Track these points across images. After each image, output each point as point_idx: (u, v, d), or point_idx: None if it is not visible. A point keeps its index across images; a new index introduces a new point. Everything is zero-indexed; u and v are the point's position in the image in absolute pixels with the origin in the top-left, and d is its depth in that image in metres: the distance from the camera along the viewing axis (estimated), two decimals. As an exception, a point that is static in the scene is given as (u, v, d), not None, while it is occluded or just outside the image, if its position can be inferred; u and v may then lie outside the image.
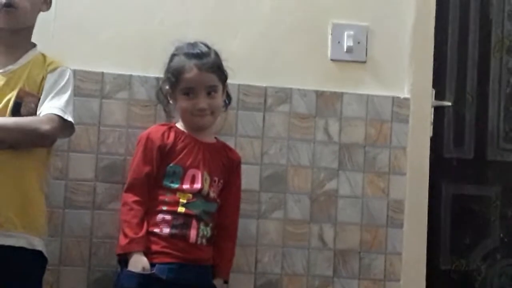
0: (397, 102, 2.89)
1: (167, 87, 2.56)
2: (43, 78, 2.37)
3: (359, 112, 2.87)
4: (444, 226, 3.03)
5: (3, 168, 2.24)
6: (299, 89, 2.83)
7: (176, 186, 2.47)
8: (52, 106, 2.33)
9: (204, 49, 2.54)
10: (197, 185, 2.48)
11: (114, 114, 2.71)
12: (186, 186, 2.47)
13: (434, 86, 2.98)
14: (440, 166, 3.00)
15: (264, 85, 2.81)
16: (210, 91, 2.51)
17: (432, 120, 2.97)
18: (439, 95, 3.02)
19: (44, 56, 2.43)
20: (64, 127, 2.36)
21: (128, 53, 2.73)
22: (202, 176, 2.49)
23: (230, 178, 2.60)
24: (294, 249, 2.80)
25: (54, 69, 2.40)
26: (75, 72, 2.57)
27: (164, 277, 2.39)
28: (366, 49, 2.90)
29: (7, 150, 2.24)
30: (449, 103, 3.04)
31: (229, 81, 2.64)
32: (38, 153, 2.35)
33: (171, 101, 2.58)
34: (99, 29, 2.74)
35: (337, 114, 2.85)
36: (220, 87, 2.55)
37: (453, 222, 3.04)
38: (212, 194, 2.51)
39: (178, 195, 2.46)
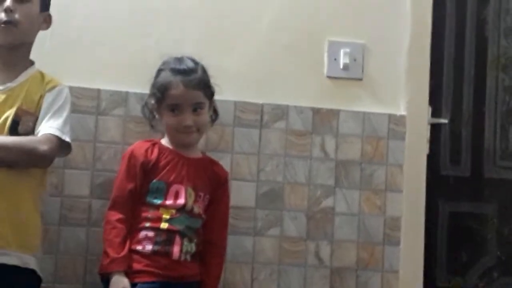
0: (393, 119, 2.89)
1: (153, 101, 2.55)
2: (41, 97, 2.37)
3: (356, 129, 2.86)
4: (441, 243, 3.02)
5: (-2, 186, 2.23)
6: (295, 106, 2.83)
7: (159, 202, 2.45)
8: (50, 126, 2.32)
9: (191, 64, 2.53)
10: (181, 201, 2.46)
11: (110, 130, 2.70)
12: (169, 202, 2.46)
13: (430, 103, 2.98)
14: (436, 184, 3.00)
15: (261, 102, 2.81)
16: (196, 108, 2.50)
17: (428, 138, 2.97)
18: (435, 113, 3.02)
19: (42, 74, 2.43)
20: (61, 147, 2.35)
21: (125, 70, 2.73)
22: (186, 191, 2.48)
23: (217, 193, 2.58)
24: (291, 266, 2.78)
25: (52, 88, 2.40)
26: (71, 88, 2.56)
27: None
28: (363, 66, 2.90)
29: (3, 168, 2.23)
30: (446, 121, 3.04)
31: (225, 97, 2.65)
32: (34, 171, 2.34)
33: (157, 116, 2.57)
34: (95, 46, 2.74)
35: (334, 131, 2.85)
36: (207, 103, 2.54)
37: (450, 240, 3.03)
38: (196, 210, 2.49)
39: (161, 211, 2.45)
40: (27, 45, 2.43)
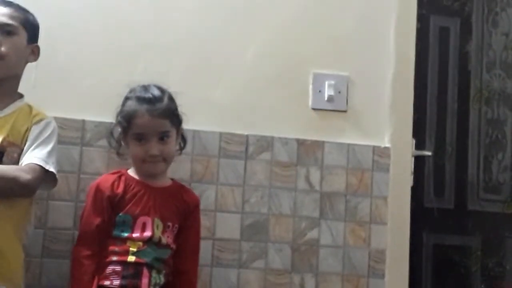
0: (377, 151, 2.90)
1: (119, 130, 2.54)
2: (28, 129, 2.36)
3: (340, 160, 2.87)
4: (425, 276, 3.03)
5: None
6: (280, 138, 2.84)
7: (126, 235, 2.42)
8: (34, 156, 2.30)
9: (157, 93, 2.50)
10: (148, 233, 2.43)
11: (94, 162, 2.69)
12: (136, 234, 2.42)
13: (414, 136, 2.99)
14: (421, 216, 3.00)
15: (246, 133, 2.82)
16: (163, 137, 2.47)
17: (412, 170, 2.98)
18: (419, 145, 3.04)
19: (30, 107, 2.42)
20: (45, 177, 2.33)
21: (110, 101, 2.68)
22: (153, 223, 2.45)
23: (187, 221, 2.55)
24: (277, 295, 2.78)
25: (39, 121, 2.39)
26: (56, 119, 2.56)
27: None
28: (347, 98, 2.92)
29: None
30: (429, 153, 3.06)
31: (211, 129, 2.66)
32: (18, 203, 2.31)
33: (123, 144, 2.55)
34: (80, 78, 2.74)
35: (318, 162, 2.85)
36: (174, 131, 2.52)
37: (434, 272, 3.04)
38: (164, 240, 2.46)
39: (128, 243, 2.41)
40: (15, 78, 2.42)
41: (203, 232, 2.65)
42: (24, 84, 2.48)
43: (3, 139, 2.29)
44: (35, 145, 2.33)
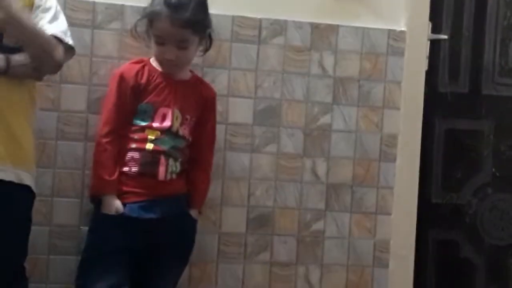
0: (393, 35, 2.87)
1: (144, 26, 2.53)
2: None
3: (354, 45, 2.84)
4: (436, 160, 3.05)
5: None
6: (294, 21, 2.79)
7: (145, 123, 2.46)
8: (57, 30, 2.30)
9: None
10: (167, 123, 2.47)
11: (106, 45, 2.66)
12: (156, 124, 2.46)
13: (430, 19, 2.95)
14: (434, 101, 2.99)
15: (259, 16, 2.77)
16: (181, 44, 2.46)
17: (427, 54, 2.95)
18: (435, 29, 2.99)
19: None
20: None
21: (121, -18, 2.68)
22: (173, 114, 2.48)
23: (204, 115, 2.59)
24: (287, 183, 2.81)
25: None
26: (66, 1, 2.55)
27: (136, 215, 2.42)
28: (363, -19, 2.85)
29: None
30: (445, 37, 3.01)
31: (223, 12, 2.63)
32: (25, 87, 2.31)
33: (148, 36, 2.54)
34: (90, -43, 2.67)
35: (332, 47, 2.82)
36: (195, 39, 2.48)
37: (446, 156, 3.05)
38: (181, 132, 2.50)
39: (146, 132, 2.46)
40: None
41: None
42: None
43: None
44: (50, 17, 2.31)
